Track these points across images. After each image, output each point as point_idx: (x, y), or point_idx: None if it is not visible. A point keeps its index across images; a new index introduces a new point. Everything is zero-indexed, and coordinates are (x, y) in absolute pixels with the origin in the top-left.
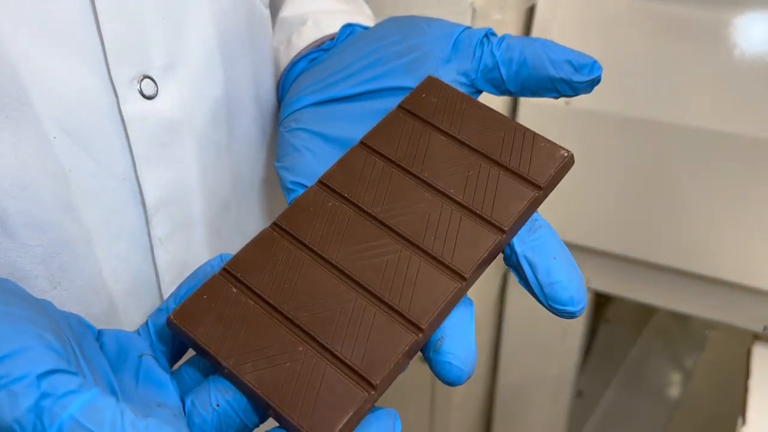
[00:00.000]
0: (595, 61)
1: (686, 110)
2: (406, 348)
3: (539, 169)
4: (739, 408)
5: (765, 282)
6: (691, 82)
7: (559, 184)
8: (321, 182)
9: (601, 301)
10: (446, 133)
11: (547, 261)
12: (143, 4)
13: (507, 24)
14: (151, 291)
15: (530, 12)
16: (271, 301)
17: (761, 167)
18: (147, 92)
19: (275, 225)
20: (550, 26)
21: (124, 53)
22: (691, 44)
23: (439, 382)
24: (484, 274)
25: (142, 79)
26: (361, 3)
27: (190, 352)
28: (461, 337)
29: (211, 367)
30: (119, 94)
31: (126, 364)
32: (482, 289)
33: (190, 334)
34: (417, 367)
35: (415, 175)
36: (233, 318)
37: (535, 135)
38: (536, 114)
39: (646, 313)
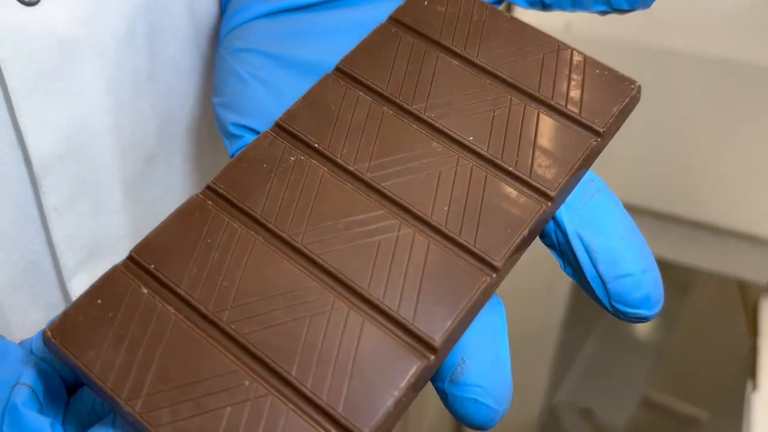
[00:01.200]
0: None
1: (698, 38)
2: (412, 380)
3: (596, 107)
4: (720, 355)
5: None
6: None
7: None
8: (279, 126)
9: None
10: (460, 56)
11: (611, 243)
12: None
13: None
14: (48, 281)
15: None
16: (201, 308)
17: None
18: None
19: (210, 189)
20: None
21: None
22: None
23: None
24: None
25: None
26: None
27: None
28: (491, 359)
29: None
30: None
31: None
32: None
33: (74, 359)
34: None
35: (416, 116)
36: (141, 335)
37: (587, 59)
38: None
39: None
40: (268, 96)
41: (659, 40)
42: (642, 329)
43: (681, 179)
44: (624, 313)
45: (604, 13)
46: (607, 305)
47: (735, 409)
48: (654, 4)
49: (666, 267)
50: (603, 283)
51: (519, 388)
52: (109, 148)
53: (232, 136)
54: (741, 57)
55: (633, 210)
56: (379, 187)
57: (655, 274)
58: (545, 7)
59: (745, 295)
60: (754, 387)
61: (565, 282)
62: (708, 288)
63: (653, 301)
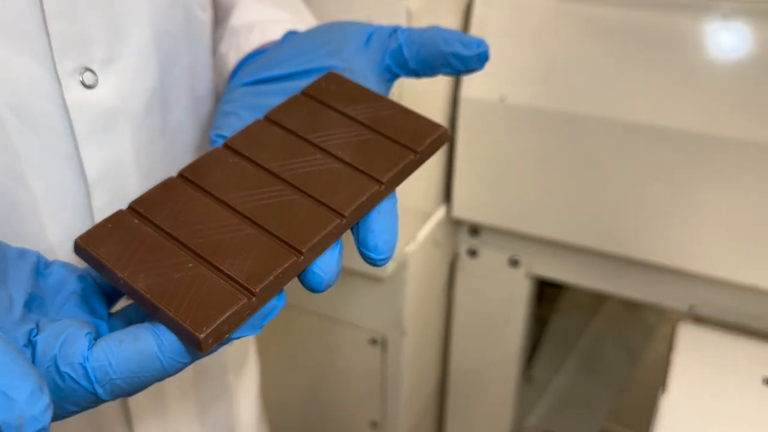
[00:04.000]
0: (482, 40)
1: (610, 104)
2: (287, 265)
3: (417, 138)
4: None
5: (690, 264)
6: (610, 77)
7: (511, 179)
8: (225, 144)
9: (552, 294)
10: (340, 111)
11: (372, 213)
12: (86, 4)
13: (437, 11)
14: (68, 171)
15: (466, 14)
16: (167, 229)
17: (683, 156)
18: (88, 82)
19: (180, 174)
20: (486, 26)
21: (67, 48)
22: (613, 43)
23: (390, 365)
24: (436, 266)
25: (83, 71)
26: (304, 11)
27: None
28: (329, 256)
29: (133, 315)
30: (63, 84)
31: (59, 294)
32: (434, 280)
33: (92, 253)
34: (365, 353)
35: (308, 141)
36: (132, 242)
37: (415, 113)
38: (475, 108)
39: (596, 302)
40: (239, 124)
41: (569, 106)
42: (608, 366)
43: (614, 223)
44: (363, 254)
45: (451, 73)
46: (358, 247)
47: None
48: (558, 77)
49: (635, 309)
50: (358, 231)
51: (488, 411)
52: (133, 174)
53: (212, 141)
54: (643, 120)
55: (577, 248)
56: (281, 175)
57: (389, 237)
58: (416, 73)
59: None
60: (664, 390)
61: (520, 315)
62: (670, 328)
63: (381, 250)
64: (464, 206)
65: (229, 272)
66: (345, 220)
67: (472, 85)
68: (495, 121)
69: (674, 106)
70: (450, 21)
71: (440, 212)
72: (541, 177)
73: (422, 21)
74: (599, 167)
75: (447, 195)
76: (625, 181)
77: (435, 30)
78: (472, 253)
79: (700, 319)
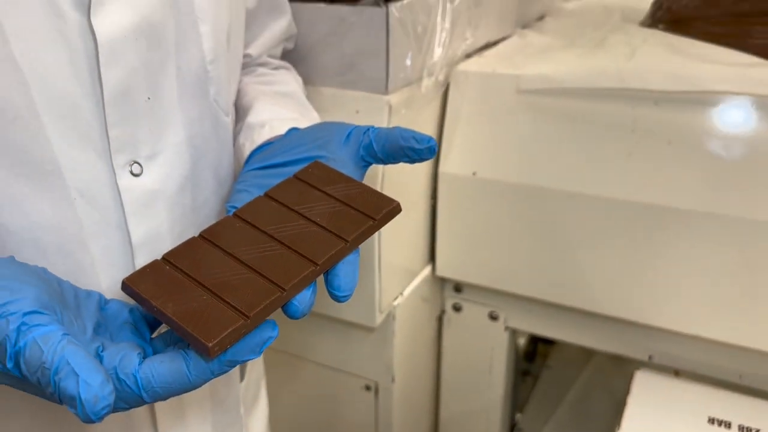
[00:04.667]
0: (431, 137)
1: (565, 178)
2: (273, 298)
3: (376, 210)
4: None
5: (648, 318)
6: (563, 155)
7: (486, 243)
8: (235, 213)
9: (544, 350)
10: (320, 190)
11: (339, 264)
12: (136, 115)
13: (416, 117)
14: (118, 239)
15: (443, 104)
16: (189, 273)
17: (635, 223)
18: (135, 172)
19: (200, 235)
20: (459, 114)
21: (121, 148)
22: (564, 126)
23: (382, 410)
24: (424, 319)
25: (132, 164)
26: (309, 109)
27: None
28: (306, 293)
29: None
30: (117, 173)
31: (116, 323)
32: (422, 332)
33: (135, 289)
34: (361, 398)
35: (295, 211)
36: (164, 282)
37: (377, 191)
38: (452, 182)
39: (585, 357)
40: (248, 197)
41: (529, 180)
42: (595, 416)
43: (579, 281)
44: (329, 292)
45: (409, 162)
46: (326, 287)
47: None
48: (516, 155)
49: (621, 362)
50: (327, 275)
51: None
52: (168, 240)
53: (227, 211)
54: (595, 192)
55: (547, 304)
56: (275, 236)
57: (350, 280)
58: (383, 161)
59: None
60: (619, 427)
61: (502, 364)
62: None
63: (343, 289)
64: (446, 266)
65: (232, 303)
66: (318, 267)
67: (449, 162)
68: (469, 193)
69: (620, 180)
70: (427, 111)
71: (426, 271)
72: (511, 241)
73: (401, 113)
74: (561, 232)
75: (432, 255)
76: (586, 245)
77: (396, 130)
78: (457, 308)
79: (657, 367)
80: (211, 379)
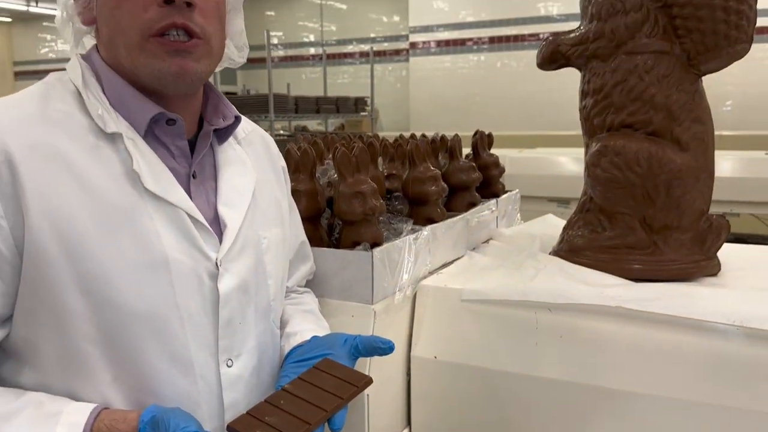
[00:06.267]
0: (391, 341)
1: (499, 361)
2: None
3: (358, 382)
4: None
5: None
6: (495, 345)
7: (447, 409)
8: (283, 388)
9: None
10: (328, 373)
11: (338, 413)
12: (234, 333)
13: (393, 319)
14: (217, 402)
15: (412, 307)
16: (261, 419)
17: (583, 404)
18: (229, 365)
19: (265, 401)
20: (423, 315)
21: (224, 351)
22: (493, 325)
23: None
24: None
25: (228, 360)
26: (322, 319)
27: None
28: (319, 430)
29: None
30: (220, 367)
31: None
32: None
33: (235, 428)
34: None
35: (314, 385)
36: (251, 423)
37: (359, 372)
38: (420, 363)
39: None
40: (287, 379)
41: (485, 365)
42: None
43: None
44: (331, 428)
45: (381, 355)
46: (329, 426)
47: None
48: (475, 346)
49: None
50: (328, 421)
51: None
52: (242, 404)
53: (276, 388)
54: (534, 374)
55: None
56: (310, 401)
57: (342, 420)
58: (367, 355)
59: None
60: None
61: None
62: None
63: (338, 427)
64: (420, 429)
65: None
66: (328, 413)
67: (417, 348)
68: (432, 371)
69: (532, 361)
70: (401, 315)
71: None
72: (472, 414)
73: (382, 317)
74: (513, 407)
75: (408, 420)
76: (541, 421)
77: (372, 337)
78: None
79: None
80: None
